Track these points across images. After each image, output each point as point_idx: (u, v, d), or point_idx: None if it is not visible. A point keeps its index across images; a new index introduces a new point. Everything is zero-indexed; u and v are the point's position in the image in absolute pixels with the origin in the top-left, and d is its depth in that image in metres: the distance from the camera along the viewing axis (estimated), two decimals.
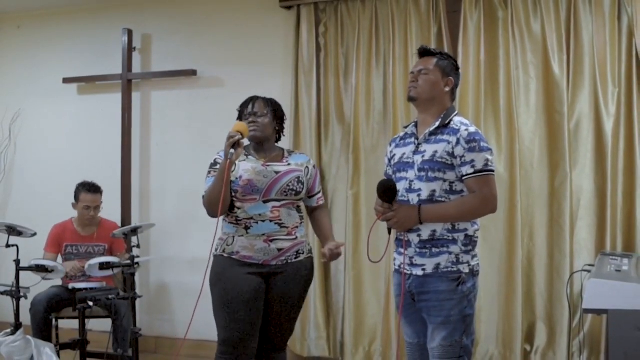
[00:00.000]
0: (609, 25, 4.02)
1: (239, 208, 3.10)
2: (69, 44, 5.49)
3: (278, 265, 3.13)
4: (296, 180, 3.16)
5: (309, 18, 4.67)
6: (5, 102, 5.60)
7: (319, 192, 3.35)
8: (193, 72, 5.04)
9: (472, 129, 2.77)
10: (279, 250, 3.11)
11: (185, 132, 5.14)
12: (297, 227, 3.17)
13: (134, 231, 4.43)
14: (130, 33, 5.18)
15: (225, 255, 3.14)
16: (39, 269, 4.21)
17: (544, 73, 4.19)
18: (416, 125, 2.90)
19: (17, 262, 4.20)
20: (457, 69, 2.92)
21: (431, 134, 2.80)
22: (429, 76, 2.82)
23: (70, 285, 4.36)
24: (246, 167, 3.13)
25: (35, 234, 4.41)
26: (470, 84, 4.26)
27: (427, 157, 2.76)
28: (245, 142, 3.08)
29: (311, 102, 4.65)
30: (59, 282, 4.55)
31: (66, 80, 5.39)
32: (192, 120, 5.12)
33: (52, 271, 4.22)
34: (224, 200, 2.97)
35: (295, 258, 3.17)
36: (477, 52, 4.28)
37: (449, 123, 2.79)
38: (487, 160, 2.73)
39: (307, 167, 3.26)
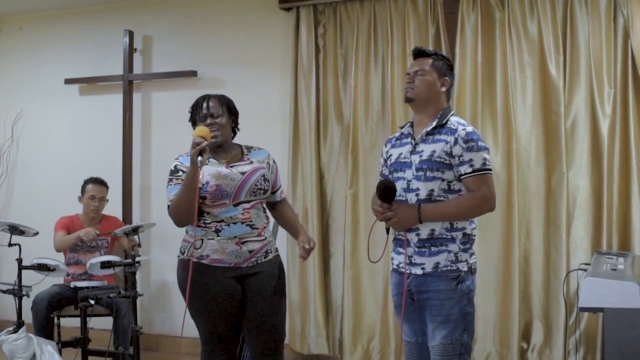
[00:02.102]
0: (605, 27, 4.04)
1: (208, 213, 3.00)
2: (70, 45, 5.52)
3: (249, 267, 3.04)
4: (262, 178, 3.07)
5: (308, 19, 4.69)
6: (7, 102, 5.64)
7: (280, 187, 3.26)
8: (193, 73, 5.07)
9: (470, 128, 2.79)
10: (250, 252, 3.02)
11: (185, 133, 5.08)
12: (264, 227, 3.10)
13: (135, 230, 4.46)
14: (131, 34, 5.21)
15: (194, 259, 3.01)
16: (41, 267, 4.24)
17: (540, 74, 4.21)
18: (412, 126, 2.91)
19: (20, 260, 4.24)
20: (452, 68, 2.93)
21: (428, 133, 2.80)
22: (425, 77, 2.83)
23: (72, 284, 4.39)
24: (211, 172, 3.00)
25: (37, 233, 4.45)
26: (467, 84, 4.29)
27: (425, 157, 2.77)
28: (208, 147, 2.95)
29: (310, 103, 4.68)
30: (60, 281, 4.59)
31: (68, 81, 5.42)
32: None
33: (53, 270, 4.26)
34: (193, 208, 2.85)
35: (265, 258, 3.08)
36: (474, 53, 4.30)
37: (445, 123, 2.79)
38: (485, 159, 2.74)
39: (267, 162, 3.15)
